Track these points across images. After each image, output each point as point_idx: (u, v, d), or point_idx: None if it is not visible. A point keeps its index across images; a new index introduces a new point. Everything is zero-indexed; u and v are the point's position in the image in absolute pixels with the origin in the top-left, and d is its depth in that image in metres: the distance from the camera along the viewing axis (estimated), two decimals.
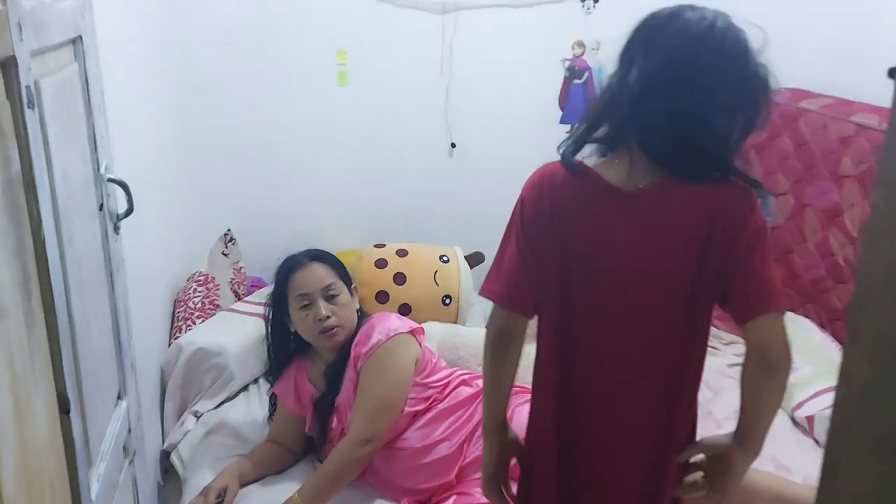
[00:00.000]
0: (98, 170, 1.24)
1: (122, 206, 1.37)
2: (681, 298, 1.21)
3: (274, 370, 2.03)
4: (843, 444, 0.83)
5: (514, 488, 1.36)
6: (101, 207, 1.26)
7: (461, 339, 2.33)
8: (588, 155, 1.26)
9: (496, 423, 1.31)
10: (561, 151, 1.26)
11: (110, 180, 1.29)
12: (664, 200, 1.18)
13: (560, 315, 1.26)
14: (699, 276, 1.19)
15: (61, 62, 1.08)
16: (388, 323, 1.88)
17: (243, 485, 1.88)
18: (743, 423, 1.24)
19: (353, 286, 2.00)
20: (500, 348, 1.27)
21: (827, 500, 0.83)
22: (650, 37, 1.16)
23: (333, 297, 1.90)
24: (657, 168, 1.18)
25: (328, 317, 1.86)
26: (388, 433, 1.82)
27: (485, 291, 1.28)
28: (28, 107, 0.88)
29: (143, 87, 2.29)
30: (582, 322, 1.25)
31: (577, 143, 1.25)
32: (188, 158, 2.84)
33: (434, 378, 1.92)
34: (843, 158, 2.54)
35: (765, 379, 1.22)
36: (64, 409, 0.99)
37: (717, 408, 2.31)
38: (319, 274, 1.91)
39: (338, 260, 2.03)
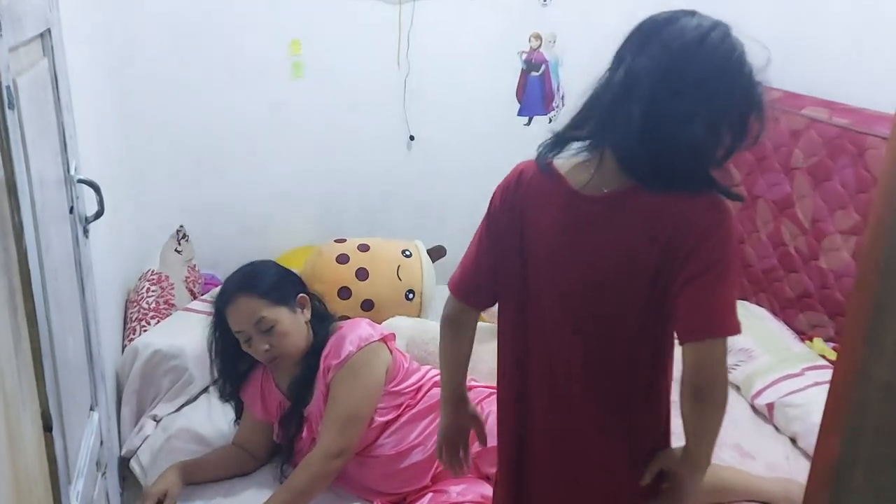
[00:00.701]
0: (68, 171, 1.18)
1: (91, 209, 1.30)
2: (634, 309, 1.17)
3: (227, 388, 1.95)
4: (861, 446, 0.84)
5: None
6: (71, 210, 1.19)
7: (430, 334, 2.31)
8: (574, 153, 1.24)
9: (451, 395, 1.37)
10: (539, 149, 1.24)
11: (80, 181, 1.22)
12: (624, 208, 1.14)
13: (517, 312, 1.26)
14: (653, 287, 1.14)
15: (32, 57, 1.01)
16: (360, 331, 1.84)
17: (196, 483, 1.83)
18: (687, 443, 1.21)
19: (297, 297, 1.87)
20: (452, 332, 1.34)
21: (840, 501, 0.84)
22: (643, 38, 1.13)
23: (269, 329, 1.79)
24: (626, 174, 1.14)
25: (266, 350, 1.80)
26: (359, 444, 1.79)
27: (450, 281, 1.33)
28: (8, 107, 0.82)
29: (84, 81, 2.18)
30: (536, 321, 1.25)
31: (557, 141, 1.22)
32: (134, 154, 2.74)
33: (405, 385, 1.89)
34: (794, 151, 2.61)
35: (695, 404, 1.14)
36: (47, 426, 0.93)
37: (677, 394, 2.35)
38: (248, 309, 1.79)
39: (273, 276, 1.88)
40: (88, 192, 1.30)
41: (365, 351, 1.80)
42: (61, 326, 1.05)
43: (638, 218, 1.14)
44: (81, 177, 1.22)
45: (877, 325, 0.77)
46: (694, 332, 1.11)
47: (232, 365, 1.90)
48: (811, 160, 2.53)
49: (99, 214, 1.29)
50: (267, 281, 1.83)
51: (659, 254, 1.12)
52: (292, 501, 1.69)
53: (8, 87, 0.82)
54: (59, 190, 1.11)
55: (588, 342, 1.22)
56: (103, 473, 1.32)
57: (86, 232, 1.27)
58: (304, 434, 1.85)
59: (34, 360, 0.89)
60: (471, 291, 1.30)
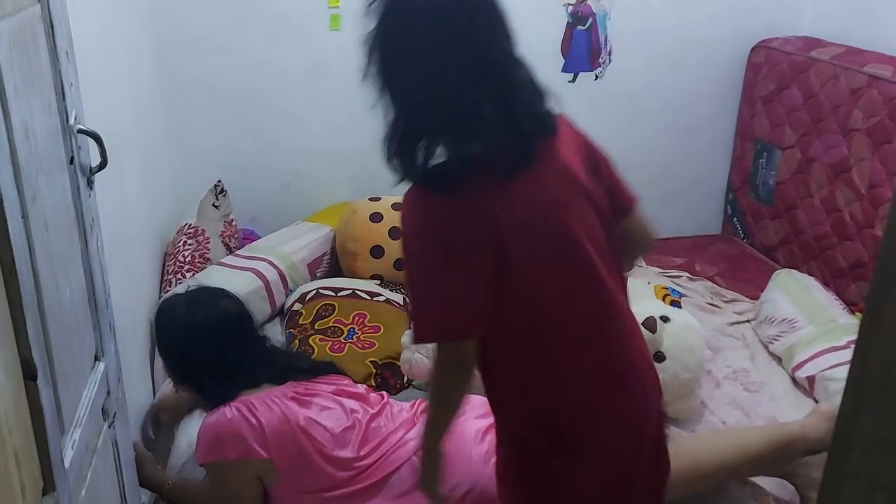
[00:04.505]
0: (67, 121, 1.17)
1: (95, 160, 1.30)
2: (603, 232, 1.21)
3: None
4: (858, 427, 0.77)
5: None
6: (71, 161, 1.19)
7: None
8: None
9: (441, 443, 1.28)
10: (418, 177, 1.18)
11: (81, 131, 1.21)
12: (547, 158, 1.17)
13: (519, 310, 1.16)
14: (598, 202, 1.21)
15: (19, 3, 0.99)
16: (206, 439, 1.65)
17: None
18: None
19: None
20: (455, 380, 1.20)
21: (836, 482, 0.78)
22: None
23: None
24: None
25: None
26: None
27: (424, 336, 1.18)
28: None
29: (120, 33, 2.19)
30: (544, 303, 1.17)
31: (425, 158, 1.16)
32: (172, 108, 2.74)
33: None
34: (853, 111, 2.45)
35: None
36: (30, 376, 0.93)
37: (717, 367, 2.27)
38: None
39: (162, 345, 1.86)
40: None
41: (211, 468, 1.66)
42: (53, 277, 1.05)
43: (557, 158, 1.19)
44: (82, 127, 1.21)
45: (879, 299, 0.70)
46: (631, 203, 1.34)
47: None
48: (871, 121, 2.38)
49: (102, 166, 1.29)
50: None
51: (588, 170, 1.25)
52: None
53: None
54: (53, 140, 1.10)
55: (592, 303, 1.19)
56: (111, 424, 1.33)
57: (90, 183, 1.27)
58: None
59: (12, 309, 0.89)
60: (469, 321, 1.15)
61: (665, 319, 2.07)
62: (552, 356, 1.18)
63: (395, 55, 1.15)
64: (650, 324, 2.02)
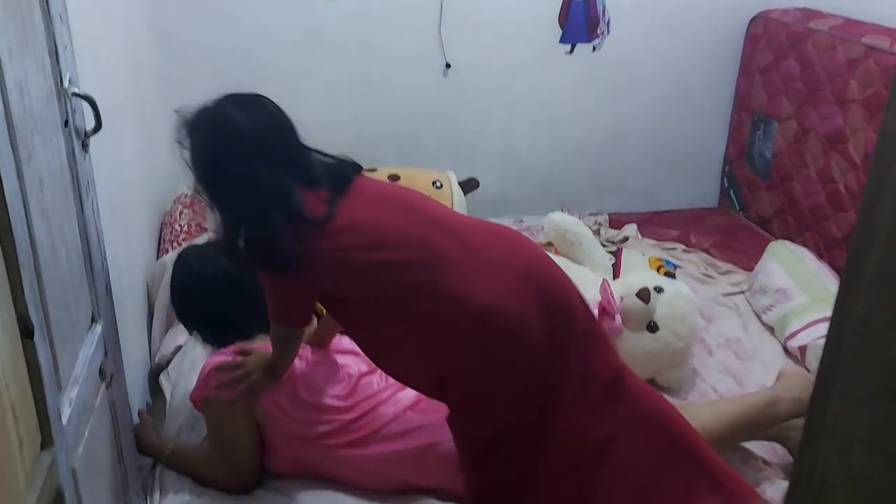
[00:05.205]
0: (61, 83, 1.17)
1: (90, 124, 1.30)
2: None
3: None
4: (835, 383, 0.79)
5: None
6: (66, 123, 1.19)
7: None
8: None
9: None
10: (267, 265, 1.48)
11: (75, 95, 1.22)
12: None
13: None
14: None
15: None
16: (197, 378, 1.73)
17: None
18: None
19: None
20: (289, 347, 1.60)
21: (814, 439, 0.80)
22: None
23: None
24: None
25: None
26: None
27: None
28: None
29: None
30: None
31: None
32: (168, 75, 2.73)
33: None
34: (850, 82, 2.45)
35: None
36: (27, 333, 0.95)
37: (710, 336, 2.30)
38: None
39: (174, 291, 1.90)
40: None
41: (207, 406, 1.69)
42: (49, 237, 1.07)
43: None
44: (76, 90, 1.22)
45: (858, 253, 0.71)
46: None
47: None
48: (867, 91, 2.38)
49: (97, 129, 1.29)
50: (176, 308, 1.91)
51: None
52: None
53: None
54: (48, 102, 1.11)
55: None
56: (108, 384, 1.35)
57: (84, 146, 1.28)
58: None
59: (7, 266, 0.90)
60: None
61: (659, 290, 2.09)
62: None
63: (223, 172, 1.44)
64: (644, 294, 2.04)
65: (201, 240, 2.24)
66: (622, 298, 2.08)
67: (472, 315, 1.40)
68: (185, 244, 2.37)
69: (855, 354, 0.74)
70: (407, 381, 1.62)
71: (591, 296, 2.06)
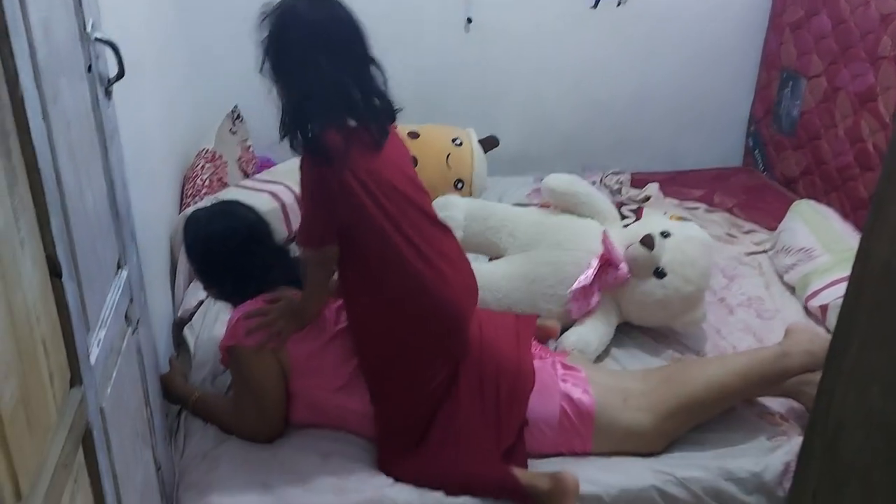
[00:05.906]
0: (84, 28, 1.17)
1: (113, 71, 1.30)
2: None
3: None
4: (856, 324, 0.78)
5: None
6: (89, 69, 1.20)
7: (489, 210, 2.27)
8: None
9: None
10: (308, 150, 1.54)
11: (98, 40, 1.22)
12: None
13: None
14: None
15: None
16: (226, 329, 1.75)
17: None
18: None
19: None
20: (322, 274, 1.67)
21: (832, 381, 0.80)
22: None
23: None
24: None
25: None
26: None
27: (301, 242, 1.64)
28: None
29: None
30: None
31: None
32: (190, 30, 2.73)
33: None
34: (882, 38, 2.39)
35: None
36: (55, 272, 0.97)
37: (731, 294, 2.28)
38: None
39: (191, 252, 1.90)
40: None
41: (235, 353, 1.70)
42: (76, 179, 1.08)
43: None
44: (99, 35, 1.22)
45: (883, 199, 0.70)
46: None
47: None
48: None
49: (120, 76, 1.30)
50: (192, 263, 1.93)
51: None
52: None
53: None
54: (72, 46, 1.11)
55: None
56: (134, 330, 1.37)
57: (108, 93, 1.28)
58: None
59: (36, 204, 0.91)
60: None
61: (665, 235, 2.05)
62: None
63: (286, 56, 1.53)
64: (647, 241, 2.00)
65: (205, 203, 2.21)
66: (628, 247, 2.05)
67: (443, 315, 1.63)
68: (206, 199, 2.39)
69: (876, 295, 0.74)
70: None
71: (597, 248, 2.04)
